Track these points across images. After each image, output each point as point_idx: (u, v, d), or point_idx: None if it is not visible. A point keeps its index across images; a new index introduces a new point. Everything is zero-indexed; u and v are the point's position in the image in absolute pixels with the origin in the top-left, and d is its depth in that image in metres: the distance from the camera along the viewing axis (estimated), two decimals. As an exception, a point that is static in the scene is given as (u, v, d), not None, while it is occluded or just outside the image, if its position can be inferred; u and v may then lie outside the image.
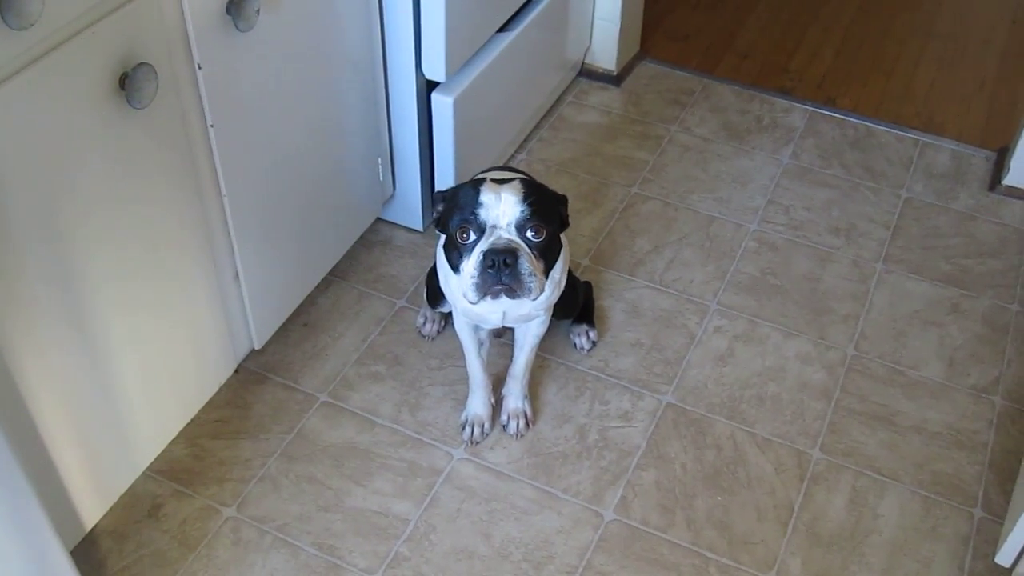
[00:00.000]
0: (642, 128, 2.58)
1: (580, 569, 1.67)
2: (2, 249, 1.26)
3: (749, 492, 1.78)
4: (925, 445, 1.87)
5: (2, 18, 1.13)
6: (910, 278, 2.19)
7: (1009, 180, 2.41)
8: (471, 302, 1.53)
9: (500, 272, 1.48)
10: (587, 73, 2.73)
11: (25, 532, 1.26)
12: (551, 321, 1.80)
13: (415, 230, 2.23)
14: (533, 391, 1.91)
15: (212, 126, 1.54)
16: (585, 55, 2.71)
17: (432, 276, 1.89)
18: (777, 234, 2.28)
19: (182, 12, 1.42)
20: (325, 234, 1.98)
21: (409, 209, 2.20)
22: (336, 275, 2.12)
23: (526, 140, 2.51)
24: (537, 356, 1.89)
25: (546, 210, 1.54)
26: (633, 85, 2.72)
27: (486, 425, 1.84)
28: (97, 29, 1.28)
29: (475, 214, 1.50)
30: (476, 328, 1.80)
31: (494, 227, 1.50)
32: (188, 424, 1.82)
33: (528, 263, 1.49)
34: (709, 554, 1.69)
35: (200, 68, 1.47)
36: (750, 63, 2.85)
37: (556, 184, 2.36)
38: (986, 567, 1.69)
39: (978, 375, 1.99)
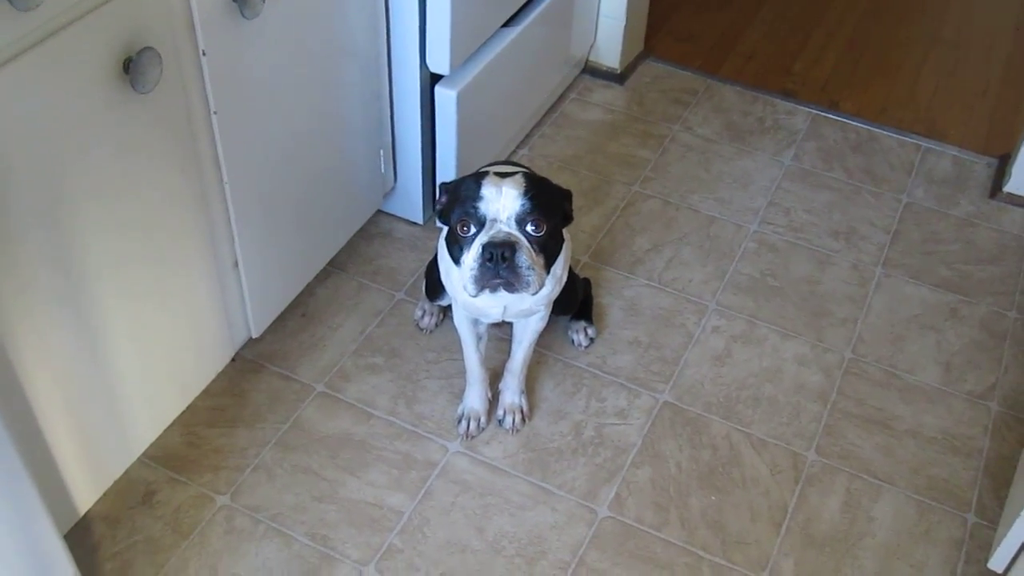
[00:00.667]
0: (644, 127, 2.57)
1: (573, 565, 1.66)
2: (2, 233, 1.26)
3: (744, 492, 1.78)
4: (920, 449, 1.87)
5: (8, -2, 1.13)
6: (909, 283, 2.19)
7: (1010, 187, 2.41)
8: (470, 295, 1.53)
9: (498, 265, 1.48)
10: (591, 70, 2.72)
11: (19, 516, 1.26)
12: (550, 317, 1.79)
13: (415, 223, 2.23)
14: (530, 386, 1.91)
15: (215, 113, 1.54)
16: (589, 52, 2.71)
17: (431, 269, 1.88)
18: (777, 236, 2.28)
19: (188, -2, 1.42)
20: (325, 224, 1.98)
21: (410, 202, 2.20)
22: (335, 266, 2.12)
23: (528, 136, 2.51)
24: (535, 352, 1.89)
25: (548, 204, 1.54)
26: (636, 83, 2.72)
27: (482, 419, 1.84)
28: (102, 12, 1.28)
29: (475, 207, 1.50)
30: (475, 322, 1.80)
31: (494, 220, 1.50)
32: (184, 411, 1.82)
33: (527, 257, 1.49)
34: (702, 553, 1.69)
35: (204, 54, 1.47)
36: (754, 64, 2.85)
37: (558, 181, 2.35)
38: (979, 572, 1.69)
39: (975, 381, 1.99)
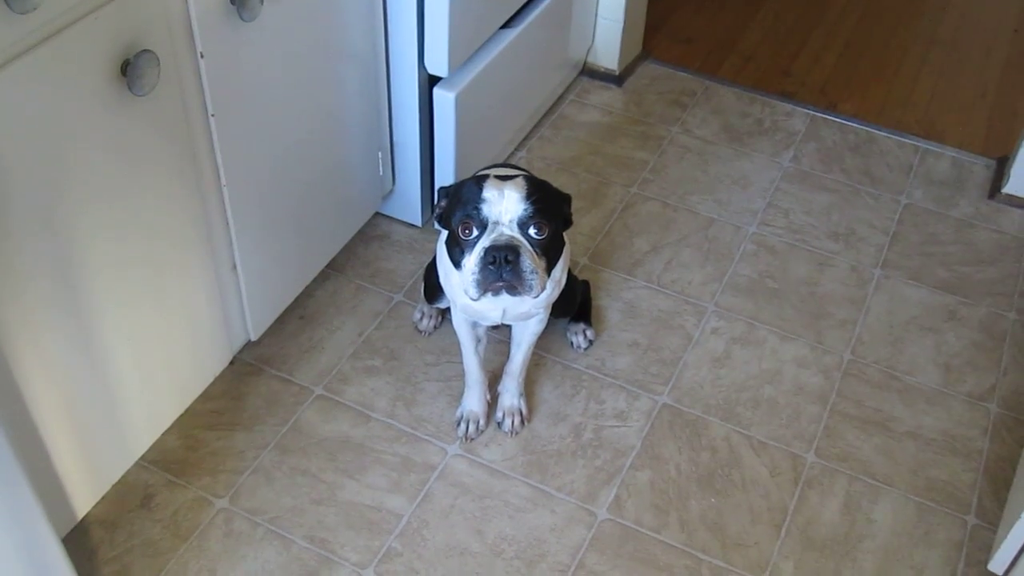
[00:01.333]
0: (643, 128, 2.57)
1: (572, 568, 1.66)
2: (1, 235, 1.25)
3: (743, 494, 1.78)
4: (920, 451, 1.87)
5: (5, 1, 1.13)
6: (908, 284, 2.19)
7: (1009, 188, 2.41)
8: (472, 298, 1.52)
9: (501, 269, 1.47)
10: (589, 72, 2.72)
11: (17, 519, 1.25)
12: (548, 319, 1.79)
13: (414, 225, 2.23)
14: (529, 389, 1.91)
15: (213, 115, 1.53)
16: (588, 54, 2.71)
17: (430, 272, 1.88)
18: (776, 237, 2.28)
19: (186, 0, 1.41)
20: (323, 227, 1.98)
21: (408, 204, 2.20)
22: (334, 268, 2.11)
23: (527, 138, 2.51)
24: (534, 354, 1.88)
25: (549, 208, 1.53)
26: (635, 85, 2.72)
27: (481, 422, 1.84)
28: (100, 15, 1.27)
29: (478, 210, 1.49)
30: (474, 325, 1.80)
31: (496, 223, 1.49)
32: (182, 414, 1.82)
33: (530, 260, 1.48)
34: (702, 555, 1.69)
35: (202, 57, 1.47)
36: (752, 66, 2.85)
37: (556, 183, 2.34)
38: (979, 574, 1.69)
39: (974, 382, 1.99)
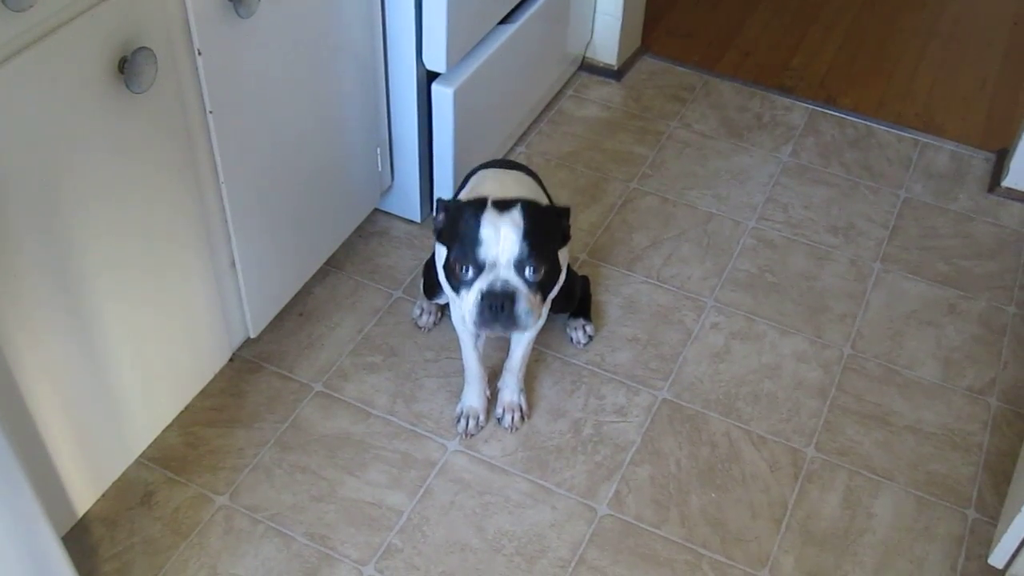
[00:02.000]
0: (642, 123, 2.57)
1: (573, 563, 1.66)
2: (-2, 232, 1.25)
3: (743, 489, 1.78)
4: (920, 445, 1.87)
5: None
6: (908, 278, 2.19)
7: (1008, 182, 2.41)
8: (470, 331, 1.52)
9: (497, 314, 1.49)
10: (588, 67, 2.72)
11: (17, 517, 1.25)
12: (548, 315, 1.79)
13: (413, 221, 2.23)
14: (529, 385, 1.91)
15: (211, 112, 1.53)
16: (586, 49, 2.70)
17: (429, 268, 1.88)
18: (775, 232, 2.28)
19: (183, -3, 1.41)
20: (322, 224, 1.98)
21: (407, 200, 2.20)
22: (333, 265, 2.11)
23: (526, 133, 2.50)
24: (533, 350, 1.88)
25: (546, 241, 1.53)
26: (634, 80, 2.72)
27: (481, 418, 1.84)
28: (97, 12, 1.27)
29: (475, 251, 1.49)
30: (473, 321, 1.80)
31: (494, 264, 1.49)
32: (182, 412, 1.82)
33: (526, 303, 1.49)
34: (702, 550, 1.69)
35: (200, 54, 1.47)
36: (751, 60, 2.85)
37: (555, 178, 2.36)
38: (979, 568, 1.69)
39: (974, 376, 1.99)
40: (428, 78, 2.00)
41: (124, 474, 1.72)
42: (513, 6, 2.18)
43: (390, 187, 2.18)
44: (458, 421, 1.83)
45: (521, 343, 1.79)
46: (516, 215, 1.50)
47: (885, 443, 1.86)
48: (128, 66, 1.32)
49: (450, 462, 1.79)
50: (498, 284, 1.48)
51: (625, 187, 2.37)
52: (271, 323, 1.95)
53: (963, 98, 2.76)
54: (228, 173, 1.62)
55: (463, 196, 1.69)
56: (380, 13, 1.89)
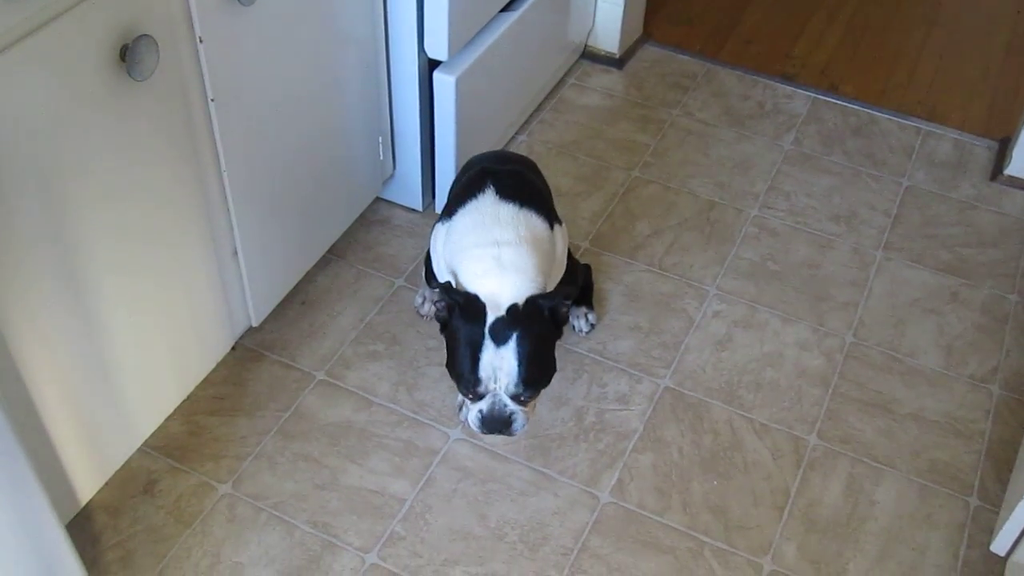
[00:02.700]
0: (644, 111, 2.57)
1: (575, 551, 1.66)
2: (1, 221, 1.25)
3: (745, 477, 1.78)
4: (922, 433, 1.87)
5: (3, -14, 1.13)
6: (910, 266, 2.19)
7: (1011, 170, 2.40)
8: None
9: (495, 431, 1.61)
10: (589, 55, 2.71)
11: (22, 506, 1.25)
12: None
13: (415, 210, 2.23)
14: (531, 373, 1.91)
15: (213, 100, 1.53)
16: (588, 37, 2.70)
17: (431, 257, 1.88)
18: (778, 220, 2.28)
19: (184, -16, 1.41)
20: (324, 212, 1.98)
21: (409, 189, 2.19)
22: (335, 254, 2.11)
23: (527, 121, 2.50)
24: (535, 338, 1.88)
25: (541, 366, 1.60)
26: (635, 68, 2.71)
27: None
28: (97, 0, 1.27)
29: (476, 377, 1.56)
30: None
31: (494, 388, 1.57)
32: (185, 400, 1.82)
33: (522, 419, 1.61)
34: (704, 538, 1.69)
35: (201, 41, 1.46)
36: (754, 48, 2.84)
37: (557, 167, 2.35)
38: (981, 555, 1.69)
39: (976, 364, 1.99)
40: (430, 66, 2.00)
41: (127, 463, 1.72)
42: (515, -6, 2.18)
43: (392, 176, 2.18)
44: (460, 409, 1.83)
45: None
46: (512, 350, 1.55)
47: (887, 431, 1.87)
48: (130, 54, 1.31)
49: (452, 450, 1.80)
50: (496, 410, 1.59)
51: (627, 175, 2.37)
52: (273, 312, 1.95)
53: (966, 86, 2.75)
54: (230, 161, 1.62)
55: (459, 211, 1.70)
56: (382, 1, 1.88)
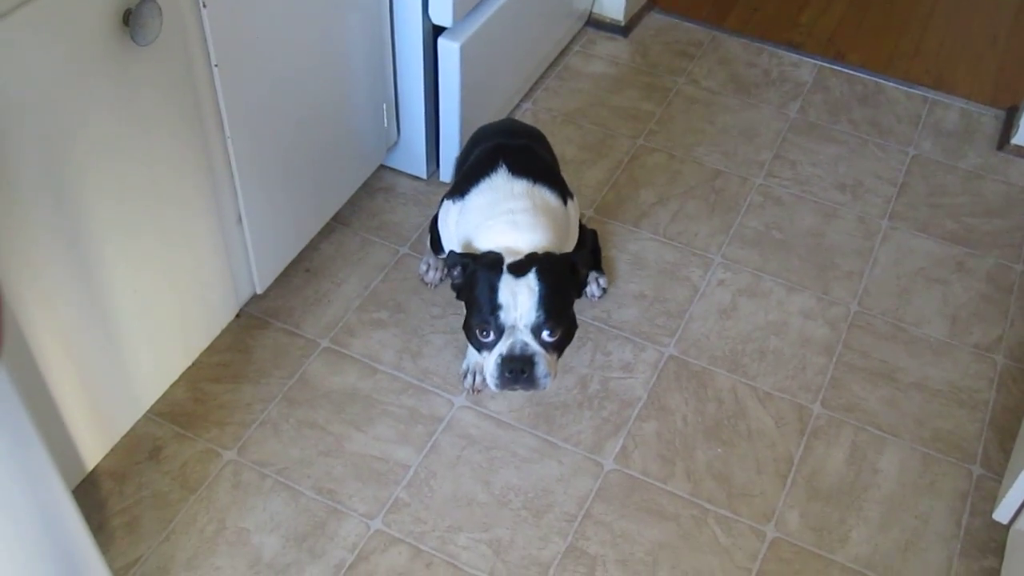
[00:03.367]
0: (649, 79, 2.55)
1: (579, 517, 1.67)
2: (5, 188, 1.25)
3: (749, 445, 1.78)
4: (926, 402, 1.87)
5: (5, -51, 1.12)
6: (915, 236, 2.18)
7: (1018, 139, 2.39)
8: (492, 389, 1.60)
9: (518, 376, 1.54)
10: (595, 23, 2.70)
11: (28, 472, 1.26)
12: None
13: (419, 178, 2.22)
14: (535, 341, 1.91)
15: (216, 66, 1.52)
16: (593, 4, 2.68)
17: (436, 224, 1.87)
18: (783, 189, 2.27)
19: (187, -52, 1.40)
20: (329, 180, 1.97)
21: (413, 156, 2.19)
22: (339, 221, 2.11)
23: (532, 89, 2.49)
24: (540, 306, 1.88)
25: (562, 301, 1.56)
26: (641, 36, 2.70)
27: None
28: (101, -37, 1.26)
29: (494, 315, 1.52)
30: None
31: (513, 327, 1.53)
32: (189, 367, 1.82)
33: (544, 364, 1.54)
34: (708, 505, 1.70)
35: (204, 6, 1.45)
36: (760, 16, 2.82)
37: (562, 135, 2.34)
38: (984, 523, 1.69)
39: (981, 334, 1.99)
40: (434, 32, 1.99)
41: (132, 429, 1.73)
42: (520, -40, 2.16)
43: (396, 143, 2.17)
44: (465, 377, 1.84)
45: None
46: (532, 280, 1.52)
47: (891, 400, 1.87)
48: (133, 18, 1.31)
49: (457, 417, 1.80)
50: (517, 348, 1.53)
51: (632, 143, 2.36)
52: (278, 279, 1.95)
53: (973, 55, 2.73)
54: (234, 127, 1.61)
55: (470, 197, 1.69)
56: (386, -34, 1.87)
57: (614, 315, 1.98)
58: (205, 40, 1.49)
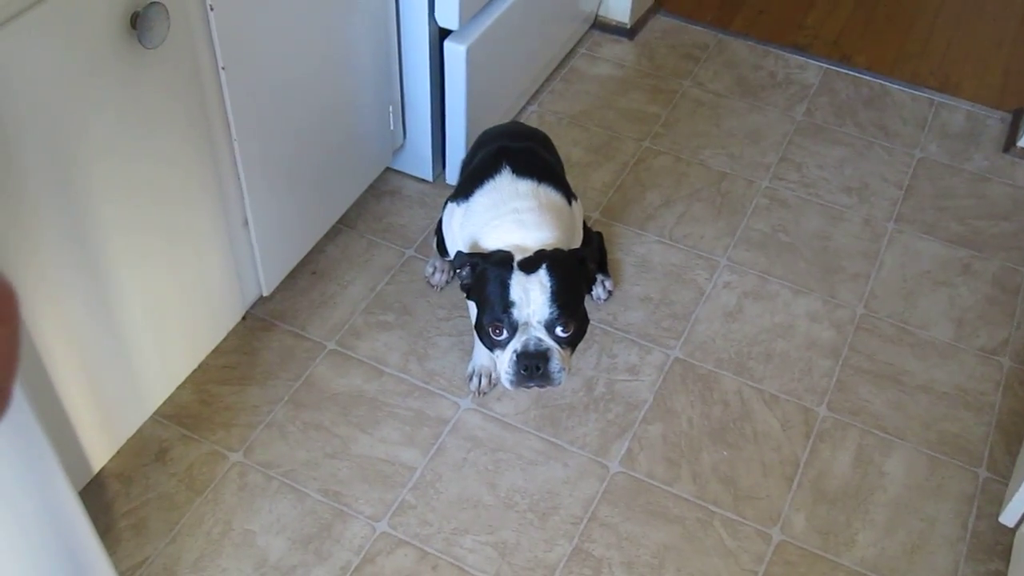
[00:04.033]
0: (655, 82, 2.55)
1: (585, 520, 1.67)
2: (14, 191, 1.25)
3: (755, 448, 1.78)
4: (932, 405, 1.87)
5: (13, -48, 1.12)
6: (921, 238, 2.18)
7: (1024, 142, 2.39)
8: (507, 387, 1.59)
9: (533, 372, 1.53)
10: (600, 25, 2.70)
11: (35, 473, 1.26)
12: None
13: (425, 180, 2.22)
14: (541, 343, 1.91)
15: (223, 68, 1.52)
16: (599, 7, 2.68)
17: (442, 226, 1.88)
18: (789, 191, 2.27)
19: (195, -49, 1.40)
20: (335, 182, 1.97)
21: (419, 159, 2.19)
22: (345, 224, 2.11)
23: (538, 92, 2.49)
24: (546, 308, 1.88)
25: (573, 296, 1.55)
26: (647, 38, 2.70)
27: (493, 376, 1.84)
28: (109, -34, 1.26)
29: (507, 313, 1.52)
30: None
31: (526, 324, 1.52)
32: (196, 369, 1.83)
33: (558, 360, 1.53)
34: (714, 508, 1.70)
35: (212, 9, 1.46)
36: (766, 18, 2.82)
37: (567, 137, 2.34)
38: (989, 527, 1.69)
39: (987, 336, 1.99)
40: (440, 35, 1.99)
41: (139, 431, 1.73)
42: (526, -38, 2.16)
43: (402, 146, 2.17)
44: (470, 379, 1.84)
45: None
46: (544, 276, 1.52)
47: (897, 403, 1.87)
48: (141, 21, 1.31)
49: (463, 420, 1.80)
50: (532, 344, 1.52)
51: (638, 146, 2.36)
52: (284, 281, 1.96)
53: (979, 57, 2.73)
54: (241, 130, 1.61)
55: (478, 197, 1.68)
56: (392, -31, 1.88)
57: (620, 318, 1.98)
58: (212, 43, 1.49)
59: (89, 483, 1.65)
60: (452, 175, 2.18)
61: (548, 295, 1.51)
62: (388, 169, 2.22)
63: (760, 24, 2.79)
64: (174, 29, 1.38)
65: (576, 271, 1.58)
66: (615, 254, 2.10)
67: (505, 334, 1.54)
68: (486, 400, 1.83)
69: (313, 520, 1.65)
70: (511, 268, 1.53)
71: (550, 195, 1.66)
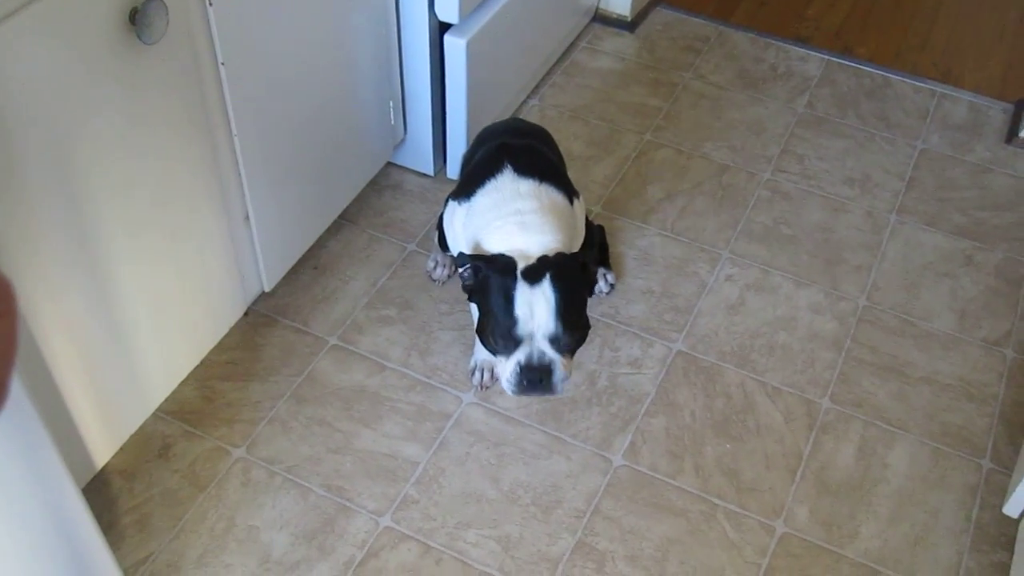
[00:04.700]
0: (656, 75, 2.55)
1: (588, 513, 1.67)
2: (14, 188, 1.25)
3: (758, 440, 1.78)
4: (935, 396, 1.86)
5: (12, -52, 1.12)
6: (924, 230, 2.17)
7: (1026, 132, 2.39)
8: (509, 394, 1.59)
9: (535, 384, 1.54)
10: (601, 18, 2.69)
11: (38, 470, 1.26)
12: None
13: (426, 175, 2.22)
14: (543, 337, 1.91)
15: (223, 64, 1.52)
16: (599, 0, 2.67)
17: (443, 221, 1.88)
18: (791, 183, 2.26)
19: (193, -54, 1.40)
20: (336, 177, 1.97)
21: (420, 153, 2.19)
22: (346, 219, 2.11)
23: (539, 85, 2.48)
24: (548, 302, 1.88)
25: (577, 307, 1.55)
26: (647, 31, 2.69)
27: (495, 370, 1.84)
28: (107, -38, 1.26)
29: (512, 328, 1.51)
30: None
31: (530, 337, 1.52)
32: (198, 366, 1.83)
33: (561, 370, 1.54)
34: (717, 501, 1.70)
35: (211, 4, 1.45)
36: (767, 10, 2.81)
37: (568, 131, 2.34)
38: (993, 518, 1.69)
39: (990, 328, 1.98)
40: (440, 29, 1.99)
41: (142, 427, 1.73)
42: (526, -44, 2.16)
43: (403, 140, 2.17)
44: (473, 374, 1.84)
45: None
46: (547, 289, 1.51)
47: (900, 394, 1.86)
48: (139, 16, 1.31)
49: (465, 414, 1.80)
50: (535, 358, 1.53)
51: (639, 139, 2.36)
52: (285, 277, 1.96)
53: (981, 48, 2.72)
54: (241, 126, 1.61)
55: (478, 198, 1.68)
56: (392, -37, 1.87)
57: (622, 311, 1.98)
58: (211, 38, 1.49)
59: (92, 480, 1.65)
60: (453, 169, 2.18)
61: (553, 310, 1.51)
62: (389, 164, 2.22)
63: (761, 16, 2.79)
64: (173, 25, 1.38)
65: (578, 278, 1.58)
66: (617, 247, 2.09)
67: (509, 346, 1.54)
68: (488, 394, 1.83)
69: (317, 515, 1.65)
70: (514, 277, 1.52)
71: (552, 195, 1.66)
